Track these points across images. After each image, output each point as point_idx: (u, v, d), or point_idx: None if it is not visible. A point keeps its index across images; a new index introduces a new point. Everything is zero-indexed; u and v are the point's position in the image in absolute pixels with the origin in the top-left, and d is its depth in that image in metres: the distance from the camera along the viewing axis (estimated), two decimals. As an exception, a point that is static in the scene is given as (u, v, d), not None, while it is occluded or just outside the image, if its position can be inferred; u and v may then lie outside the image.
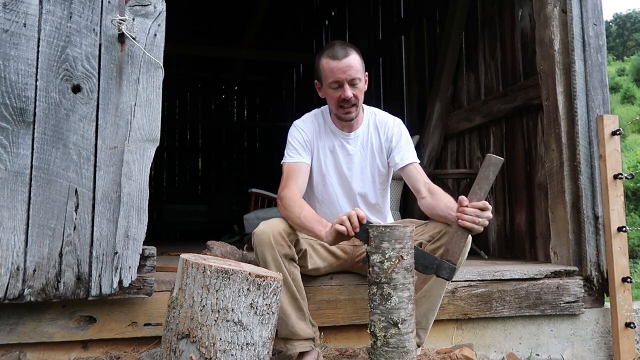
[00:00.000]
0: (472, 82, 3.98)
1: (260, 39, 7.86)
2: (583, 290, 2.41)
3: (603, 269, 2.44)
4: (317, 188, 2.07)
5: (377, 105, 2.28)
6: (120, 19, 1.82)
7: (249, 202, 4.82)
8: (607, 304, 2.44)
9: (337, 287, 2.10)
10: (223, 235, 6.01)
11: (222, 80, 10.01)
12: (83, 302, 1.84)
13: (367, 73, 1.99)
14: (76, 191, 1.78)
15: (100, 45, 1.84)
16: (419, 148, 3.97)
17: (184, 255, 1.50)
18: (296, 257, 1.83)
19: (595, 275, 2.43)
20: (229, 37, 8.13)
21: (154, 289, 1.89)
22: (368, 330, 1.54)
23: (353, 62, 1.89)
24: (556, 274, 2.40)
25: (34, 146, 1.75)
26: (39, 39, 1.78)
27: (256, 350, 1.42)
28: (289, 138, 2.04)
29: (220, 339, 1.38)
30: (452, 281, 2.22)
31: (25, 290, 1.71)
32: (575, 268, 2.44)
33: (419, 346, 1.94)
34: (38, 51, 1.77)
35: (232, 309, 1.39)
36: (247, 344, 1.40)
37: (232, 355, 1.38)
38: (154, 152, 1.88)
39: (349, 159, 2.05)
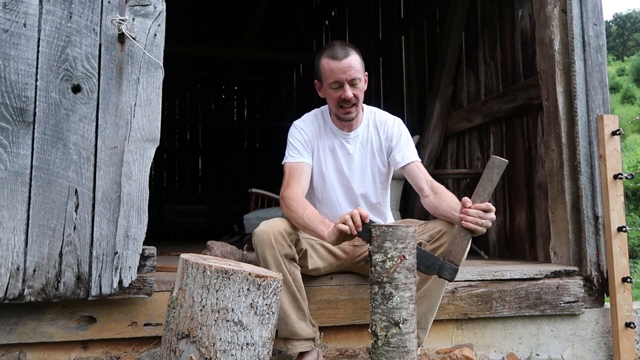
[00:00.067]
0: (472, 82, 3.98)
1: (260, 39, 7.86)
2: (583, 290, 2.41)
3: (603, 269, 2.44)
4: (317, 188, 2.07)
5: (377, 105, 2.28)
6: (120, 19, 1.81)
7: (249, 202, 4.82)
8: (607, 304, 2.44)
9: (337, 287, 2.10)
10: (223, 235, 6.01)
11: (222, 80, 10.01)
12: (83, 302, 1.84)
13: (367, 73, 1.99)
14: (76, 191, 1.78)
15: (100, 45, 1.84)
16: (419, 148, 3.96)
17: (184, 255, 1.50)
18: (297, 257, 1.83)
19: (595, 275, 2.43)
20: (229, 37, 8.13)
21: (154, 289, 1.89)
22: (369, 330, 1.54)
23: (353, 62, 1.89)
24: (556, 274, 2.40)
25: (34, 146, 1.75)
26: (39, 39, 1.78)
27: (256, 350, 1.42)
28: (290, 138, 2.04)
29: (220, 339, 1.38)
30: (452, 281, 2.22)
31: (25, 290, 1.71)
32: (575, 268, 2.44)
33: (418, 346, 1.94)
34: (38, 51, 1.77)
35: (232, 309, 1.39)
36: (247, 344, 1.40)
37: (232, 355, 1.38)
38: (154, 152, 1.88)
39: (349, 158, 2.05)
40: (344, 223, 1.61)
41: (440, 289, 1.90)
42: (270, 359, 1.50)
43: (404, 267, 1.48)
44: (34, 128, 1.75)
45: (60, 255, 1.75)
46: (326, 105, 2.08)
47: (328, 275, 2.09)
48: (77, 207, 1.78)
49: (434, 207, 1.91)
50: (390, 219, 2.20)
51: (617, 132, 2.44)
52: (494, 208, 1.65)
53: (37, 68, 1.77)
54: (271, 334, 1.48)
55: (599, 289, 2.44)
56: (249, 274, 1.41)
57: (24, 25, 1.76)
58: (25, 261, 1.71)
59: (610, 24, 36.59)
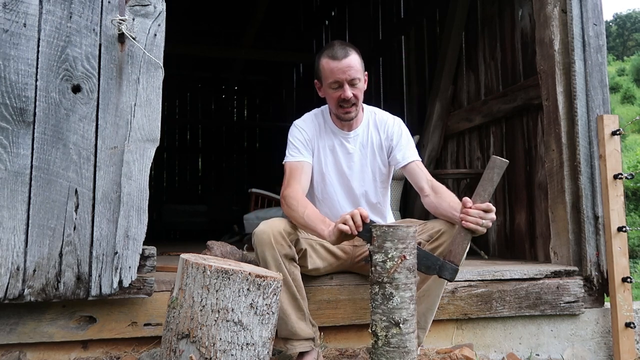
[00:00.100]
0: (472, 82, 3.98)
1: (260, 39, 7.86)
2: (583, 290, 2.41)
3: (603, 269, 2.44)
4: (317, 187, 2.07)
5: (377, 105, 2.29)
6: (120, 19, 1.81)
7: (249, 202, 4.82)
8: (607, 304, 2.44)
9: (337, 287, 2.10)
10: (223, 235, 6.01)
11: (222, 80, 10.01)
12: (83, 302, 1.84)
13: (366, 73, 1.99)
14: (76, 191, 1.78)
15: (100, 45, 1.84)
16: (419, 148, 3.96)
17: (184, 255, 1.50)
18: (296, 257, 1.83)
19: (595, 275, 2.43)
20: (229, 37, 8.13)
21: (154, 289, 1.89)
22: (369, 330, 1.54)
23: (353, 62, 1.90)
24: (556, 274, 2.40)
25: (34, 146, 1.75)
26: (39, 39, 1.78)
27: (256, 350, 1.42)
28: (290, 137, 2.04)
29: (220, 339, 1.38)
30: (452, 281, 2.22)
31: (25, 290, 1.71)
32: (575, 268, 2.44)
33: (418, 345, 1.94)
34: (38, 51, 1.77)
35: (232, 309, 1.39)
36: (247, 344, 1.40)
37: (232, 355, 1.38)
38: (154, 152, 1.88)
39: (349, 157, 2.05)
40: (344, 223, 1.61)
41: (440, 288, 1.90)
42: (270, 359, 1.50)
43: (404, 267, 1.48)
44: (34, 128, 1.75)
45: (60, 255, 1.75)
46: (326, 105, 2.08)
47: (328, 275, 2.09)
48: (77, 207, 1.78)
49: (434, 207, 1.91)
50: (390, 218, 2.20)
51: (617, 132, 2.44)
52: (494, 208, 1.65)
53: (37, 68, 1.77)
54: (271, 334, 1.48)
55: (599, 289, 2.44)
56: (249, 274, 1.41)
57: (24, 25, 1.76)
58: (25, 261, 1.71)
59: (610, 24, 36.58)
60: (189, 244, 4.75)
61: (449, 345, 2.24)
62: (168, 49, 2.03)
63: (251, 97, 10.45)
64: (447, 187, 3.62)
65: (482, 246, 3.62)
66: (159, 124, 1.89)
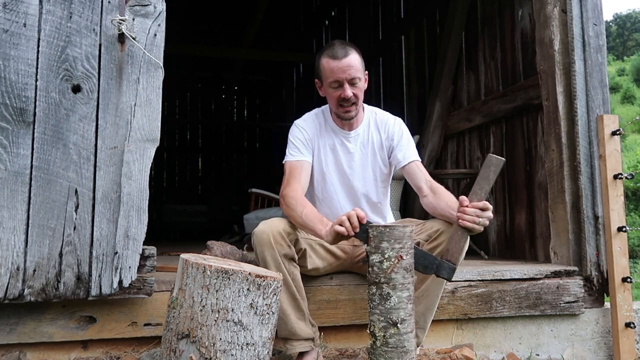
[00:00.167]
0: (472, 82, 3.98)
1: (260, 39, 7.86)
2: (583, 290, 2.41)
3: (603, 269, 2.44)
4: (317, 186, 2.07)
5: (377, 105, 2.29)
6: (120, 19, 1.82)
7: (249, 202, 4.82)
8: (607, 304, 2.44)
9: (337, 287, 2.10)
10: (223, 235, 6.01)
11: (222, 80, 10.01)
12: (83, 302, 1.84)
13: (366, 72, 2.00)
14: (76, 191, 1.78)
15: (100, 45, 1.84)
16: (419, 148, 3.96)
17: (184, 255, 1.50)
18: (296, 257, 1.83)
19: (595, 275, 2.43)
20: (229, 37, 8.13)
21: (154, 289, 1.89)
22: (367, 330, 1.54)
23: (353, 62, 1.90)
24: (556, 274, 2.40)
25: (34, 146, 1.75)
26: (39, 39, 1.78)
27: (256, 350, 1.42)
28: (290, 137, 2.04)
29: (220, 339, 1.38)
30: (452, 281, 2.22)
31: (25, 290, 1.71)
32: (575, 268, 2.44)
33: (417, 345, 1.94)
34: (38, 51, 1.77)
35: (232, 309, 1.39)
36: (247, 344, 1.40)
37: (232, 355, 1.38)
38: (154, 152, 1.88)
39: (350, 157, 2.05)
40: (341, 224, 1.61)
41: (439, 288, 1.90)
42: (270, 359, 1.50)
43: (401, 267, 1.48)
44: (34, 128, 1.75)
45: (60, 255, 1.75)
46: (327, 105, 2.09)
47: (328, 275, 2.09)
48: (77, 207, 1.78)
49: (433, 207, 1.91)
50: (390, 218, 2.20)
51: (617, 132, 2.44)
52: (491, 207, 1.65)
53: (37, 68, 1.77)
54: (271, 334, 1.48)
55: (599, 289, 2.44)
56: (249, 274, 1.41)
57: (24, 25, 1.76)
58: (25, 261, 1.71)
59: (610, 24, 36.58)
60: (189, 244, 4.75)
61: (449, 345, 2.24)
62: (168, 49, 2.03)
63: (251, 97, 10.45)
64: (447, 187, 3.62)
65: (482, 246, 3.63)
66: (159, 124, 1.89)
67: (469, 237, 1.73)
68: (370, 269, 1.51)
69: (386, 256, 1.48)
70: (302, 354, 1.85)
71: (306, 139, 2.03)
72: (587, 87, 2.52)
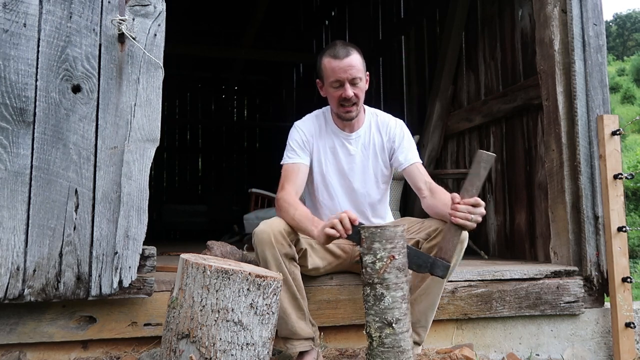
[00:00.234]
0: (472, 82, 3.98)
1: (260, 39, 7.86)
2: (583, 290, 2.41)
3: (603, 269, 2.44)
4: (317, 188, 2.07)
5: (377, 105, 2.30)
6: (120, 19, 1.81)
7: (249, 202, 4.82)
8: (607, 304, 2.44)
9: (337, 287, 2.10)
10: (223, 235, 6.01)
11: (222, 80, 10.01)
12: (83, 302, 1.84)
13: (368, 73, 2.00)
14: (76, 191, 1.78)
15: (100, 45, 1.84)
16: (419, 148, 3.97)
17: (184, 255, 1.50)
18: (296, 257, 1.84)
19: (595, 275, 2.43)
20: (229, 37, 8.13)
21: (154, 289, 1.89)
22: (364, 331, 1.54)
23: (354, 62, 1.91)
24: (556, 274, 2.40)
25: (34, 146, 1.75)
26: (39, 39, 1.77)
27: (256, 350, 1.42)
28: (289, 139, 2.05)
29: (220, 339, 1.38)
30: (452, 281, 2.22)
31: (25, 290, 1.71)
32: (575, 268, 2.44)
33: (419, 344, 1.94)
34: (38, 51, 1.77)
35: (232, 309, 1.39)
36: (247, 344, 1.40)
37: (232, 355, 1.38)
38: (154, 152, 1.88)
39: (351, 159, 2.05)
40: (332, 227, 1.61)
41: (440, 286, 1.90)
42: (270, 359, 1.50)
43: (394, 267, 1.48)
44: (34, 128, 1.75)
45: (60, 255, 1.75)
46: (328, 106, 2.09)
47: (328, 275, 2.09)
48: (77, 207, 1.78)
49: (431, 207, 1.91)
50: (389, 218, 2.20)
51: (617, 132, 2.44)
52: (483, 203, 1.64)
53: (37, 68, 1.77)
54: (271, 334, 1.48)
55: (599, 289, 2.44)
56: (249, 274, 1.41)
57: (24, 25, 1.76)
58: (25, 261, 1.71)
59: (610, 24, 36.57)
60: (189, 244, 4.75)
61: (449, 345, 2.24)
62: (168, 49, 2.03)
63: (251, 97, 10.45)
64: (447, 187, 3.63)
65: (482, 246, 3.63)
66: (159, 124, 1.89)
67: (466, 235, 1.73)
68: (363, 269, 1.51)
69: (378, 257, 1.48)
70: (302, 353, 1.85)
71: (304, 140, 2.03)
72: (587, 87, 2.52)
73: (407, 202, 4.28)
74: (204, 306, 1.39)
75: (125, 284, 1.81)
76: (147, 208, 1.86)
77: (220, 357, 1.37)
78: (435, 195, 1.91)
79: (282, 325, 1.81)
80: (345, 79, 1.91)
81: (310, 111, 2.14)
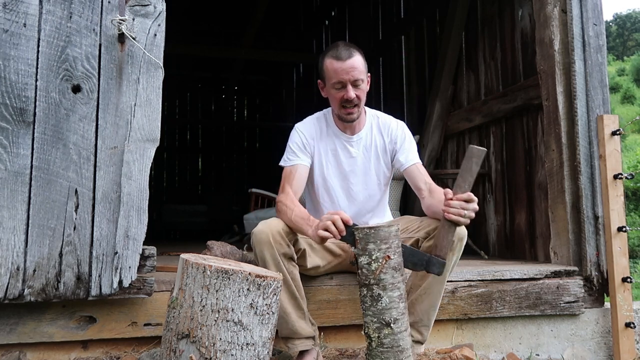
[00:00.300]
0: (472, 82, 3.98)
1: (260, 39, 7.86)
2: (583, 290, 2.41)
3: (603, 269, 2.44)
4: (318, 190, 2.08)
5: (377, 105, 2.30)
6: (120, 19, 1.81)
7: (249, 202, 4.82)
8: (607, 304, 2.44)
9: (337, 287, 2.10)
10: (223, 235, 6.01)
11: (222, 80, 10.01)
12: (83, 302, 1.84)
13: (369, 74, 2.01)
14: (76, 191, 1.78)
15: (100, 45, 1.84)
16: (419, 148, 3.97)
17: (184, 255, 1.50)
18: (295, 256, 1.84)
19: (595, 275, 2.43)
20: (229, 37, 8.13)
21: (154, 289, 1.89)
22: (363, 332, 1.54)
23: (356, 63, 1.91)
24: (556, 274, 2.40)
25: (34, 146, 1.75)
26: (39, 39, 1.78)
27: (256, 350, 1.42)
28: (289, 142, 2.06)
29: (220, 339, 1.38)
30: (452, 281, 2.22)
31: (25, 290, 1.71)
32: (575, 268, 2.44)
33: (422, 343, 1.94)
34: (38, 51, 1.77)
35: (232, 309, 1.39)
36: (247, 344, 1.40)
37: (232, 355, 1.38)
38: (154, 152, 1.88)
39: (352, 161, 2.06)
40: (326, 229, 1.61)
41: (441, 285, 1.89)
42: (270, 359, 1.50)
43: (389, 267, 1.47)
44: (34, 128, 1.75)
45: (60, 255, 1.75)
46: (329, 108, 2.09)
47: (328, 275, 2.09)
48: (77, 207, 1.78)
49: (429, 207, 1.91)
50: (388, 217, 2.21)
51: (617, 132, 2.44)
52: (475, 198, 1.62)
53: (37, 68, 1.77)
54: (271, 334, 1.48)
55: (599, 289, 2.44)
56: (249, 274, 1.41)
57: (24, 25, 1.76)
58: (25, 261, 1.71)
59: (610, 24, 36.57)
60: (189, 244, 4.75)
61: (449, 345, 2.24)
62: (168, 49, 2.03)
63: (251, 97, 10.45)
64: (447, 187, 3.62)
65: (482, 246, 3.63)
66: (159, 124, 1.89)
67: (465, 233, 1.73)
68: (359, 270, 1.51)
69: (374, 257, 1.48)
70: (303, 353, 1.85)
71: (303, 142, 2.03)
72: (587, 87, 2.52)
73: (407, 202, 4.28)
74: (204, 306, 1.39)
75: (125, 284, 1.81)
76: (147, 208, 1.86)
77: (220, 357, 1.37)
78: (433, 194, 1.91)
79: (282, 324, 1.81)
80: (348, 80, 1.91)
81: (310, 111, 2.14)
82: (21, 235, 1.71)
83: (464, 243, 1.81)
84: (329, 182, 2.06)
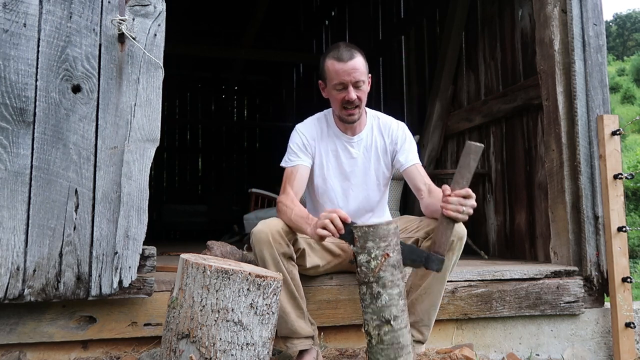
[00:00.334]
0: (472, 82, 3.98)
1: (260, 39, 7.86)
2: (583, 290, 2.41)
3: (603, 269, 2.44)
4: (318, 190, 2.08)
5: (377, 105, 2.30)
6: (120, 19, 1.81)
7: (249, 202, 4.81)
8: (607, 304, 2.44)
9: (337, 287, 2.10)
10: (223, 235, 6.01)
11: (222, 80, 10.01)
12: (83, 302, 1.84)
13: (370, 75, 2.01)
14: (76, 191, 1.78)
15: (100, 45, 1.84)
16: (419, 148, 3.97)
17: (184, 255, 1.50)
18: (294, 256, 1.84)
19: (595, 275, 2.43)
20: (229, 37, 8.13)
21: (154, 289, 1.89)
22: (363, 330, 1.54)
23: (358, 65, 1.91)
24: (556, 274, 2.40)
25: (34, 146, 1.75)
26: (39, 39, 1.78)
27: (256, 350, 1.42)
28: (290, 142, 2.06)
29: (220, 339, 1.38)
30: (452, 281, 2.22)
31: (25, 290, 1.71)
32: (575, 268, 2.44)
33: (422, 343, 1.94)
34: (38, 51, 1.77)
35: (232, 309, 1.39)
36: (247, 344, 1.40)
37: (232, 355, 1.38)
38: (154, 152, 1.88)
39: (353, 162, 2.06)
40: (324, 227, 1.61)
41: (441, 285, 1.89)
42: (270, 359, 1.50)
43: (388, 264, 1.48)
44: (34, 128, 1.75)
45: (60, 255, 1.75)
46: (330, 109, 2.09)
47: (328, 275, 2.09)
48: (77, 207, 1.78)
49: (428, 207, 1.92)
50: (387, 217, 2.21)
51: (617, 132, 2.44)
52: (473, 194, 1.62)
53: (37, 68, 1.77)
54: (271, 334, 1.48)
55: (599, 289, 2.44)
56: (249, 274, 1.41)
57: (24, 25, 1.76)
58: (25, 261, 1.71)
59: (610, 24, 36.56)
60: (189, 244, 4.75)
61: (449, 345, 2.24)
62: (168, 49, 2.03)
63: (251, 97, 10.45)
64: (447, 187, 3.61)
65: (482, 246, 3.63)
66: (159, 124, 1.89)
67: (464, 232, 1.73)
68: (358, 269, 1.51)
69: (373, 255, 1.48)
70: (302, 352, 1.85)
71: (304, 143, 2.04)
72: (587, 87, 2.52)
73: (407, 202, 4.28)
74: (204, 306, 1.39)
75: (125, 284, 1.81)
76: (147, 208, 1.86)
77: (220, 357, 1.37)
78: (432, 195, 1.91)
79: (282, 324, 1.81)
80: (349, 81, 1.91)
81: (310, 111, 2.14)
82: (21, 235, 1.71)
83: (464, 242, 1.81)
84: (329, 182, 2.06)
